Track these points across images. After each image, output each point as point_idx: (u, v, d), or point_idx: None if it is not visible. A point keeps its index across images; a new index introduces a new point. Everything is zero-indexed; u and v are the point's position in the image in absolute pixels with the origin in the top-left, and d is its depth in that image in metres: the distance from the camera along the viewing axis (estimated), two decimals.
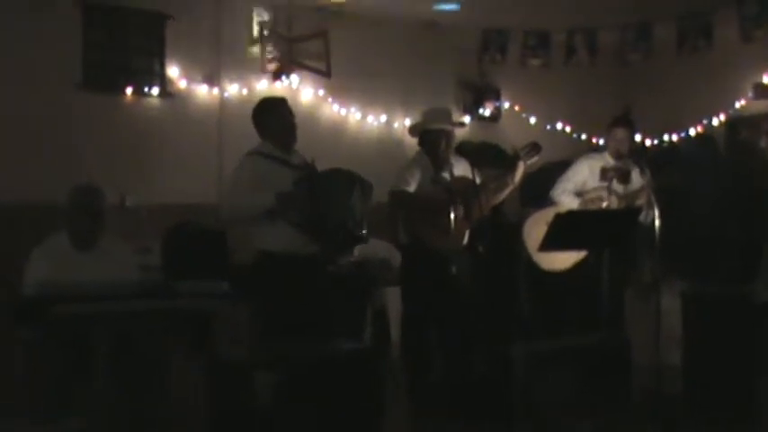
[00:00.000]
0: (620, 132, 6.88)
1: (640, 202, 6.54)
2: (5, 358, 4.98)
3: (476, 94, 9.76)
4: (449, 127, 6.35)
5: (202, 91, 8.15)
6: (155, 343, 4.90)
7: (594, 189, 6.79)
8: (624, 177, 6.76)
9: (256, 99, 5.91)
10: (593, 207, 6.66)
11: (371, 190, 5.58)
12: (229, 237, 7.15)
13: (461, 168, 6.23)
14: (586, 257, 6.51)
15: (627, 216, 6.13)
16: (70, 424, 4.12)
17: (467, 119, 9.22)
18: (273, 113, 5.71)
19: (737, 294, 6.11)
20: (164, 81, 7.94)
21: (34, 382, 4.78)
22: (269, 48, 8.44)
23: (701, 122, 9.39)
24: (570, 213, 6.13)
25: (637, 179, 6.71)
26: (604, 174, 6.75)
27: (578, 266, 6.58)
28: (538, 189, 7.22)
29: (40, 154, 7.09)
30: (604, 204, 6.64)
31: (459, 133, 6.88)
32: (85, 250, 5.14)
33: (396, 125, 9.19)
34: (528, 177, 6.55)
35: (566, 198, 6.85)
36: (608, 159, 6.88)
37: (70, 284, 4.29)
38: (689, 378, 6.06)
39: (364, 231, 5.50)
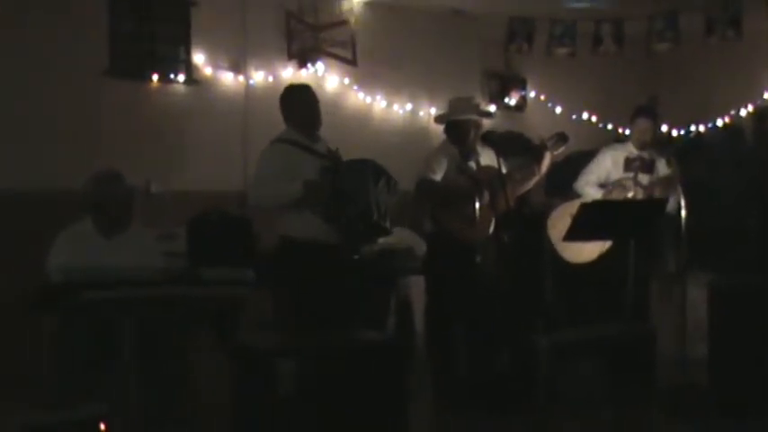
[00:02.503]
0: (642, 122, 6.84)
1: (665, 192, 6.51)
2: (30, 343, 5.01)
3: (501, 84, 9.72)
4: (475, 117, 6.33)
5: (228, 78, 8.16)
6: (179, 330, 4.92)
7: (618, 180, 6.76)
8: (648, 167, 6.73)
9: (282, 87, 5.91)
10: (617, 197, 6.63)
11: (396, 186, 5.58)
12: (256, 223, 7.16)
13: (487, 157, 6.21)
14: (611, 249, 6.48)
15: (653, 206, 6.09)
16: (92, 409, 4.13)
17: (492, 108, 9.17)
18: (296, 100, 5.73)
19: (762, 285, 6.06)
20: (189, 68, 7.95)
21: (56, 367, 4.81)
22: (295, 35, 8.43)
23: (728, 113, 9.31)
24: (596, 203, 6.08)
25: (662, 169, 6.67)
26: (629, 164, 6.74)
27: (603, 258, 6.55)
28: (563, 179, 7.19)
29: (67, 141, 7.11)
30: (630, 194, 6.61)
31: (485, 122, 6.84)
32: (110, 237, 5.15)
33: (421, 114, 9.16)
34: (553, 167, 6.51)
35: (589, 189, 6.82)
36: (631, 149, 6.84)
37: (93, 270, 4.30)
38: (715, 370, 6.01)
39: (387, 224, 5.51)
